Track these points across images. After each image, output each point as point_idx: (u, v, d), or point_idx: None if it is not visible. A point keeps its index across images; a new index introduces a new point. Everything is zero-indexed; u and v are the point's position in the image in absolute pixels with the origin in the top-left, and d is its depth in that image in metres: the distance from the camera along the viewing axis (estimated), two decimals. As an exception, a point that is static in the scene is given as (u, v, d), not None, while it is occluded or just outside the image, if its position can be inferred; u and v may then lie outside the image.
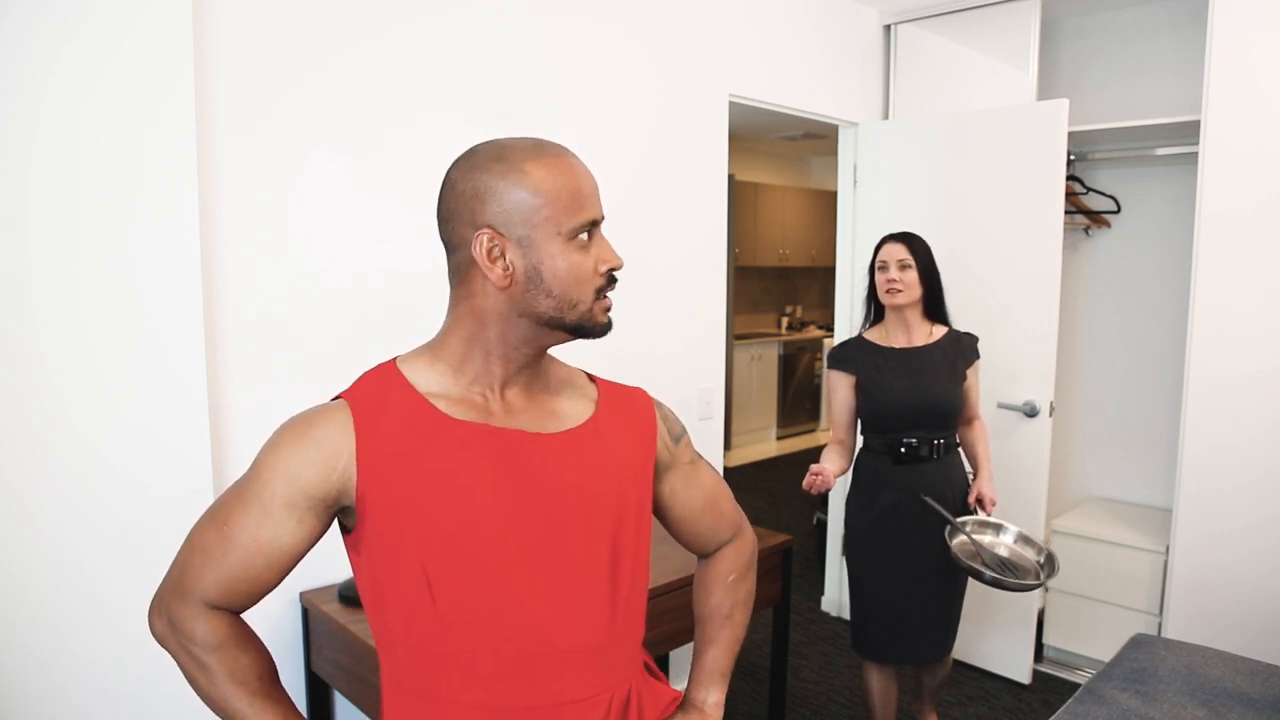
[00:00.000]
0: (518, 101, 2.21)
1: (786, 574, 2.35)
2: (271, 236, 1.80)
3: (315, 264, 1.87)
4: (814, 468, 2.07)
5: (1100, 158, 3.20)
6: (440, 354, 0.98)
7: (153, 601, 0.96)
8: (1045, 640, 3.13)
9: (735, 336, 6.61)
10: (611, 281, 0.97)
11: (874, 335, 2.30)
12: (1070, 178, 3.09)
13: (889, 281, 2.20)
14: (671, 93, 2.60)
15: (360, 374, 0.98)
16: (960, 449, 2.32)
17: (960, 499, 2.24)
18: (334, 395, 0.98)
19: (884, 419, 2.22)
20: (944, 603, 2.25)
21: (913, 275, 2.19)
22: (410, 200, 2.00)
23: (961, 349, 2.27)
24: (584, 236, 0.94)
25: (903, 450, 2.20)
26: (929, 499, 2.09)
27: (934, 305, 2.26)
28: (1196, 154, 2.64)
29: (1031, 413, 2.89)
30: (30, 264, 1.44)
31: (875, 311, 2.33)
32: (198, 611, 0.93)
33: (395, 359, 0.99)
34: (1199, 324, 2.63)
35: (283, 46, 1.78)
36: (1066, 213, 2.97)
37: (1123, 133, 2.95)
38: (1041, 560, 2.06)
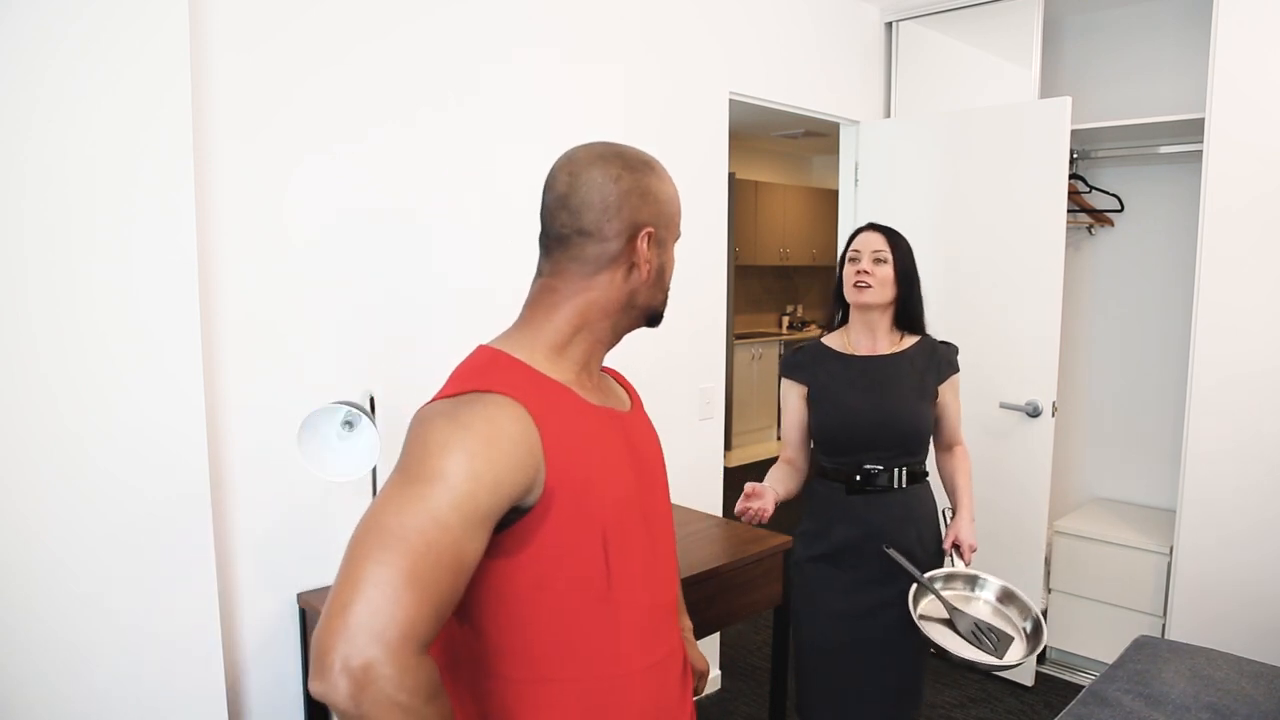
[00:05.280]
0: (515, 101, 2.19)
1: (788, 575, 2.34)
2: (268, 237, 1.78)
3: (312, 265, 1.85)
4: (749, 488, 1.69)
5: (1103, 156, 3.19)
6: (546, 340, 1.00)
7: (326, 662, 0.75)
8: (1048, 642, 3.11)
9: (736, 336, 6.59)
10: None
11: (834, 340, 1.98)
12: (1073, 176, 3.08)
13: (859, 274, 1.88)
14: (671, 90, 2.59)
15: (460, 365, 0.97)
16: (929, 479, 1.98)
17: (929, 539, 1.92)
18: (455, 389, 0.91)
19: (836, 438, 1.89)
20: (902, 666, 1.91)
21: (887, 271, 1.88)
22: (407, 202, 1.99)
23: (935, 360, 1.93)
24: None
25: (858, 478, 1.88)
26: (893, 551, 1.77)
27: (907, 313, 1.94)
28: (1200, 152, 2.62)
29: (1034, 413, 2.87)
30: (26, 266, 1.43)
31: (844, 313, 2.00)
32: (412, 659, 0.77)
33: (498, 349, 0.98)
34: (1203, 320, 2.62)
35: (279, 48, 1.77)
36: (1069, 211, 2.96)
37: (1126, 131, 2.93)
38: (1028, 627, 1.69)
